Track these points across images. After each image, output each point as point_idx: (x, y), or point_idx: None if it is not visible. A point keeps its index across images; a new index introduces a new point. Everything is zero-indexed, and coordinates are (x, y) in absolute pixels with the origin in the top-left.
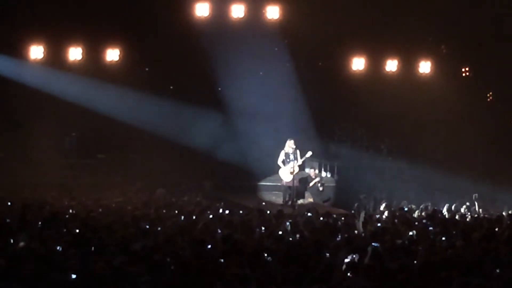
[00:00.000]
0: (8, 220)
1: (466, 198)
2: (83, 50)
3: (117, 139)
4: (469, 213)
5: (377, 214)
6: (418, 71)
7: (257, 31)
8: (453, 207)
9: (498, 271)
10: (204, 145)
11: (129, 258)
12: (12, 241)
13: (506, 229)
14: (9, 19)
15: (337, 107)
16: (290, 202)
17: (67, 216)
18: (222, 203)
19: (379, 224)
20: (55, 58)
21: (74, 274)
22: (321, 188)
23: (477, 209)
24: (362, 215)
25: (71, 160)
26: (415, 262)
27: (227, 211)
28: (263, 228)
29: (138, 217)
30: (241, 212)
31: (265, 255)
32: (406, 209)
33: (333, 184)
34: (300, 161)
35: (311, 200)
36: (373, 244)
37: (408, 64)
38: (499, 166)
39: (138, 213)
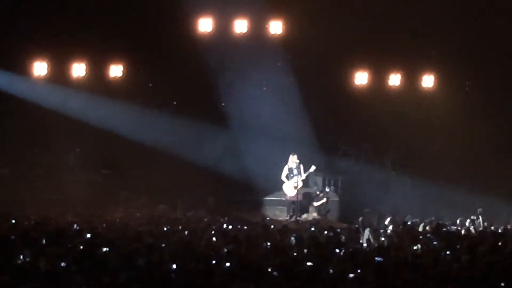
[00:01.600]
0: (12, 237)
1: (471, 212)
2: (86, 66)
3: (121, 155)
4: (473, 227)
5: (382, 229)
6: (421, 85)
7: (260, 46)
8: (457, 221)
9: (503, 284)
10: (208, 160)
11: (134, 274)
12: (16, 257)
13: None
14: (13, 35)
15: (341, 122)
16: (294, 217)
17: (71, 232)
18: (226, 219)
19: (383, 239)
20: (59, 74)
21: None
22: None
23: (481, 223)
24: (367, 232)
25: (75, 176)
26: (420, 276)
27: (231, 226)
28: (267, 243)
29: (142, 233)
30: (245, 227)
31: (270, 270)
32: (410, 223)
33: (336, 199)
34: (303, 176)
35: (315, 215)
36: (377, 259)
37: (411, 78)
38: (504, 180)
39: (142, 228)
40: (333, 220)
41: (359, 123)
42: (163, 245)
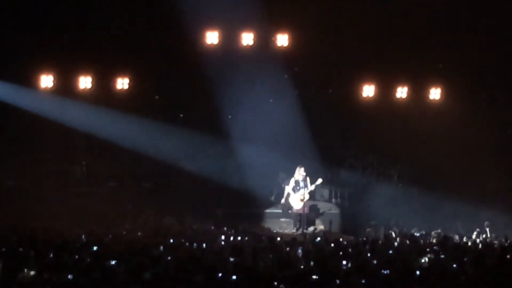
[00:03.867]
0: (20, 249)
1: (478, 225)
2: (92, 78)
3: (127, 167)
4: (480, 240)
5: (388, 241)
6: (428, 98)
7: (266, 59)
8: (464, 233)
9: None
10: (215, 172)
11: (141, 287)
12: (23, 270)
13: None
14: (19, 49)
15: (347, 134)
16: (300, 230)
17: (78, 244)
18: (233, 231)
19: (390, 251)
20: (65, 87)
21: None
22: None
23: (488, 235)
24: None
25: (81, 188)
26: None
27: (238, 239)
28: (274, 256)
29: (149, 245)
30: (252, 239)
31: (276, 282)
32: (417, 235)
33: (337, 211)
34: (310, 188)
35: (322, 227)
36: (383, 271)
37: (418, 91)
38: None
39: (149, 241)
40: (338, 233)
41: (365, 136)
42: (170, 257)
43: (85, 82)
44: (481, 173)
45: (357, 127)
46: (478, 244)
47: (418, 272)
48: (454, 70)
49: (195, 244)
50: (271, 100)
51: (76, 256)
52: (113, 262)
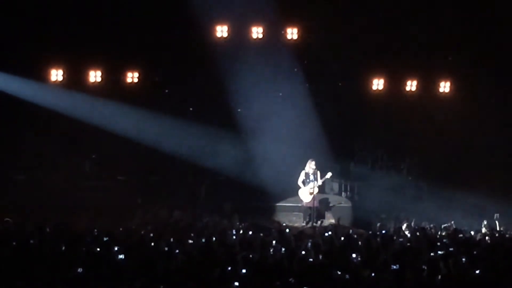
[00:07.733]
0: (31, 241)
1: (488, 218)
2: (102, 72)
3: (137, 161)
4: (489, 233)
5: (398, 234)
6: (438, 91)
7: (276, 52)
8: (473, 227)
9: None
10: (224, 166)
11: (150, 280)
12: (33, 263)
13: None
14: (29, 43)
15: (357, 127)
16: (310, 223)
17: (88, 238)
18: (242, 224)
19: (400, 245)
20: (75, 80)
21: None
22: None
23: (498, 229)
24: None
25: (91, 182)
26: (436, 282)
27: (247, 232)
28: (283, 249)
29: (159, 239)
30: (261, 233)
31: (286, 276)
32: (427, 228)
33: (349, 205)
34: (320, 182)
35: (332, 221)
36: (393, 266)
37: (428, 84)
38: None
39: (158, 234)
40: (348, 226)
41: (375, 129)
42: (179, 251)
43: (94, 75)
44: (491, 166)
45: (367, 120)
46: (488, 238)
47: (428, 266)
48: (463, 63)
49: (204, 238)
50: (280, 94)
51: (86, 250)
52: (122, 256)
